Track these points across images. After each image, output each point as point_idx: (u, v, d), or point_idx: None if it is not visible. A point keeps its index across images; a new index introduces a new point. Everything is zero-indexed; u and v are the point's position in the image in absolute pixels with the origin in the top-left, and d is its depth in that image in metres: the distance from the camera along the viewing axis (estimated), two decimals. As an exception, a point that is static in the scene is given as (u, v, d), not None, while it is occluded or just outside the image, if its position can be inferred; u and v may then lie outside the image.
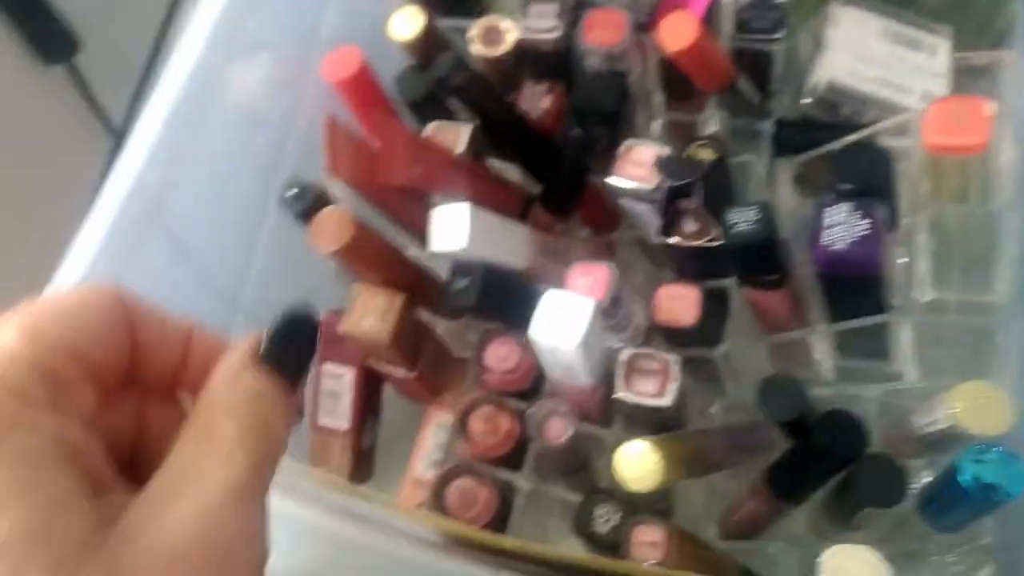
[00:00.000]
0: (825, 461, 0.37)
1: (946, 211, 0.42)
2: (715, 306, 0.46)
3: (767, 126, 0.52)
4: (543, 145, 0.50)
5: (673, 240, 0.44)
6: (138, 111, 0.88)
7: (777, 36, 0.48)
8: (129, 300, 0.25)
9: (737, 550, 0.47)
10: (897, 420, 0.45)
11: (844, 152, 0.41)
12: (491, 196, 0.50)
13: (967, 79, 0.50)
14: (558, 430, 0.46)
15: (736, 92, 0.48)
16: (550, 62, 0.52)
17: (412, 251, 0.56)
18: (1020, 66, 0.49)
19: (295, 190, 0.50)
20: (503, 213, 0.50)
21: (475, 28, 0.53)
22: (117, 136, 0.85)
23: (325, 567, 0.42)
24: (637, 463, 0.39)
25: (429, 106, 0.52)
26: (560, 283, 0.48)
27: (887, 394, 0.47)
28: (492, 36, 0.53)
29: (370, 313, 0.51)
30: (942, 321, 0.42)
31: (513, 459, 0.48)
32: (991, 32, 0.52)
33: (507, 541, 0.38)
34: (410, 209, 0.50)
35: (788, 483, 0.41)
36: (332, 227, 0.48)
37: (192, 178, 0.52)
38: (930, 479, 0.39)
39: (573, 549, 0.44)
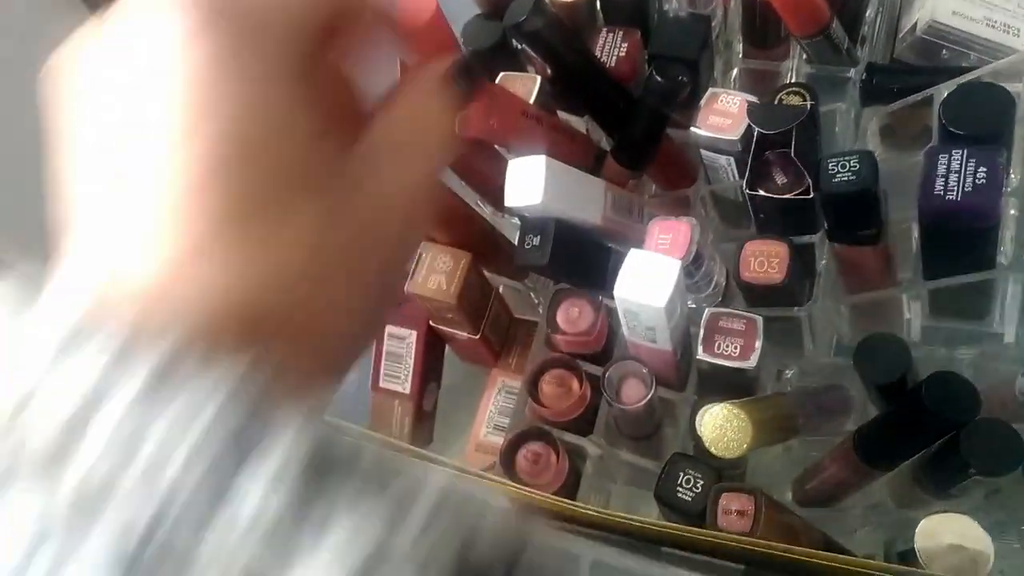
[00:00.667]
0: (933, 425, 0.35)
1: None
2: (802, 263, 0.44)
3: (855, 74, 0.48)
4: (620, 95, 0.48)
5: (762, 193, 0.41)
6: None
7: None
8: None
9: (811, 516, 0.45)
10: (997, 383, 0.42)
11: (956, 93, 0.38)
12: (565, 149, 0.47)
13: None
14: (636, 393, 0.44)
15: (828, 36, 0.45)
16: (627, 6, 0.49)
17: (478, 209, 0.54)
18: None
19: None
20: (576, 167, 0.48)
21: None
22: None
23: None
24: (726, 429, 0.37)
25: (497, 56, 0.50)
26: (634, 240, 0.46)
27: (982, 356, 0.45)
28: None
29: (437, 273, 0.50)
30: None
31: (583, 423, 0.46)
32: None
33: (587, 509, 0.36)
34: (481, 164, 0.48)
35: (881, 449, 0.38)
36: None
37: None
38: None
39: (644, 515, 0.42)
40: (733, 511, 0.37)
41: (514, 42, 0.48)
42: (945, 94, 0.42)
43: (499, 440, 0.53)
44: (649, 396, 0.43)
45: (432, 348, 0.57)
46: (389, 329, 0.56)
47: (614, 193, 0.49)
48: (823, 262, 0.46)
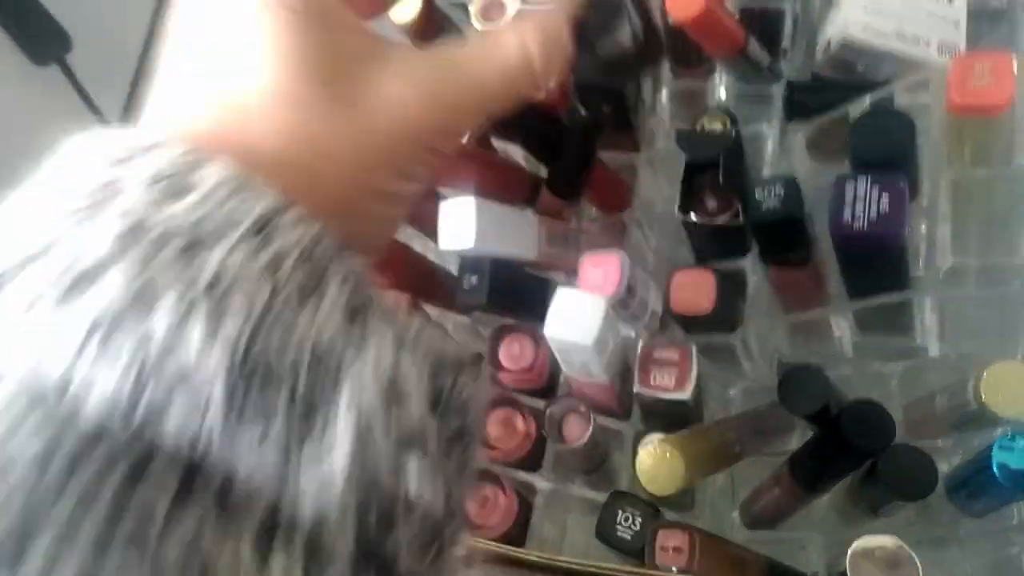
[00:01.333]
0: (850, 453, 0.36)
1: (967, 173, 0.39)
2: (732, 288, 0.44)
3: (778, 89, 0.49)
4: (550, 125, 0.48)
5: (693, 216, 0.41)
6: (133, 106, 0.87)
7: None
8: None
9: (761, 537, 0.46)
10: (921, 398, 0.43)
11: (862, 120, 0.38)
12: (499, 182, 0.48)
13: (984, 25, 0.46)
14: (577, 430, 0.45)
15: (746, 56, 0.46)
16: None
17: (419, 246, 0.54)
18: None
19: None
20: (512, 199, 0.48)
21: (475, 3, 0.50)
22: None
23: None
24: (660, 467, 0.38)
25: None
26: (573, 271, 0.46)
27: (909, 370, 0.45)
28: (493, 11, 0.51)
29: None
30: (964, 292, 0.40)
31: (531, 459, 0.47)
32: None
33: (532, 554, 0.37)
34: (420, 203, 0.48)
35: (812, 474, 0.39)
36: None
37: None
38: (958, 463, 0.38)
39: (596, 550, 0.43)
40: (670, 548, 0.38)
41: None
42: (858, 111, 0.43)
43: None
44: (590, 432, 0.44)
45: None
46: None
47: (549, 226, 0.50)
48: (755, 283, 0.46)
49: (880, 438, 0.35)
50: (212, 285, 0.17)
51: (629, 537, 0.39)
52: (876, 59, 0.46)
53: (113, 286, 0.16)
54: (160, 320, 0.16)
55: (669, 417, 0.44)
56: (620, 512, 0.40)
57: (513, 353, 0.48)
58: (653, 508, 0.40)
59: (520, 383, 0.48)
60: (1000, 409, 0.34)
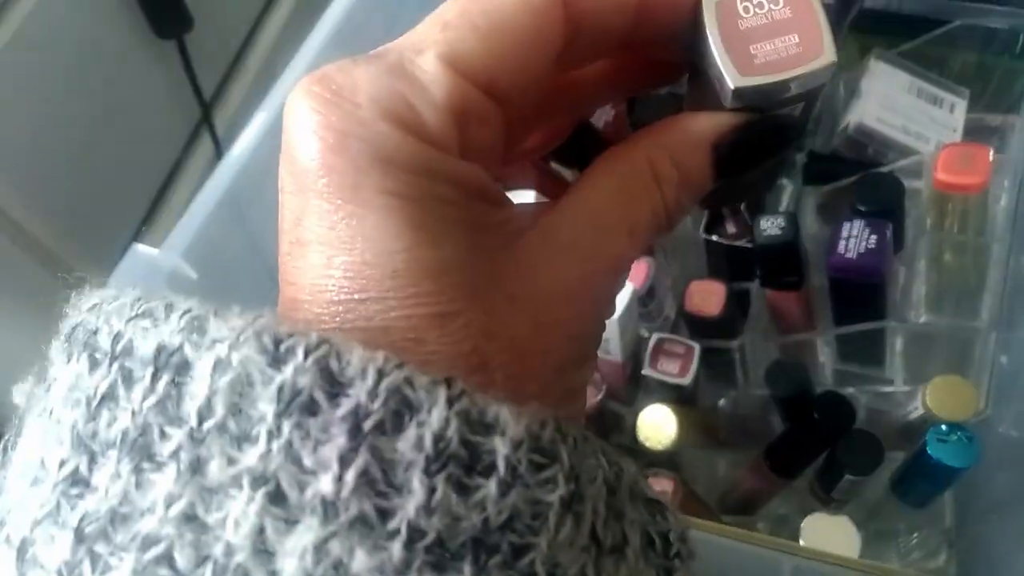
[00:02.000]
0: (819, 433, 0.44)
1: (946, 239, 0.48)
2: (738, 303, 0.53)
3: (801, 156, 0.59)
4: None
5: (714, 237, 0.50)
6: (226, 90, 0.97)
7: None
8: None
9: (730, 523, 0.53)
10: (880, 418, 0.51)
11: (863, 178, 0.48)
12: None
13: (979, 136, 0.56)
14: (588, 396, 0.53)
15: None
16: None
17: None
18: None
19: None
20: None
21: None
22: (205, 108, 0.93)
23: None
24: (657, 423, 0.46)
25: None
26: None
27: (875, 397, 0.54)
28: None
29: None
30: (931, 336, 0.49)
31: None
32: (1006, 99, 0.59)
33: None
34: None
35: (784, 458, 0.47)
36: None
37: (273, 192, 0.56)
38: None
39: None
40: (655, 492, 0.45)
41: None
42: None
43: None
44: (599, 398, 0.52)
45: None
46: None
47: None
48: (757, 306, 0.55)
49: (844, 418, 0.43)
50: None
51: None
52: (884, 145, 0.56)
53: None
54: None
55: (669, 401, 0.52)
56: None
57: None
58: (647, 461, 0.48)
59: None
60: (940, 412, 0.42)
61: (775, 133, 0.20)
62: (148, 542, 0.14)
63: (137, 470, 0.14)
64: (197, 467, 0.14)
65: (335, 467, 0.14)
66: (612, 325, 0.49)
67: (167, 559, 0.13)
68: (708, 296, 0.52)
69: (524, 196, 0.25)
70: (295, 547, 0.13)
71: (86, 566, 0.14)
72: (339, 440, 0.14)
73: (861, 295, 0.47)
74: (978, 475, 0.47)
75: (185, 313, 0.15)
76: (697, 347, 0.52)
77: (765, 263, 0.49)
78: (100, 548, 0.14)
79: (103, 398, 0.15)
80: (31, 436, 0.16)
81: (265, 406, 0.14)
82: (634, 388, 0.56)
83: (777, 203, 0.59)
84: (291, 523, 0.13)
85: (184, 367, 0.15)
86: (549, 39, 0.19)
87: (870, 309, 0.47)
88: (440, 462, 0.14)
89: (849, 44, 0.60)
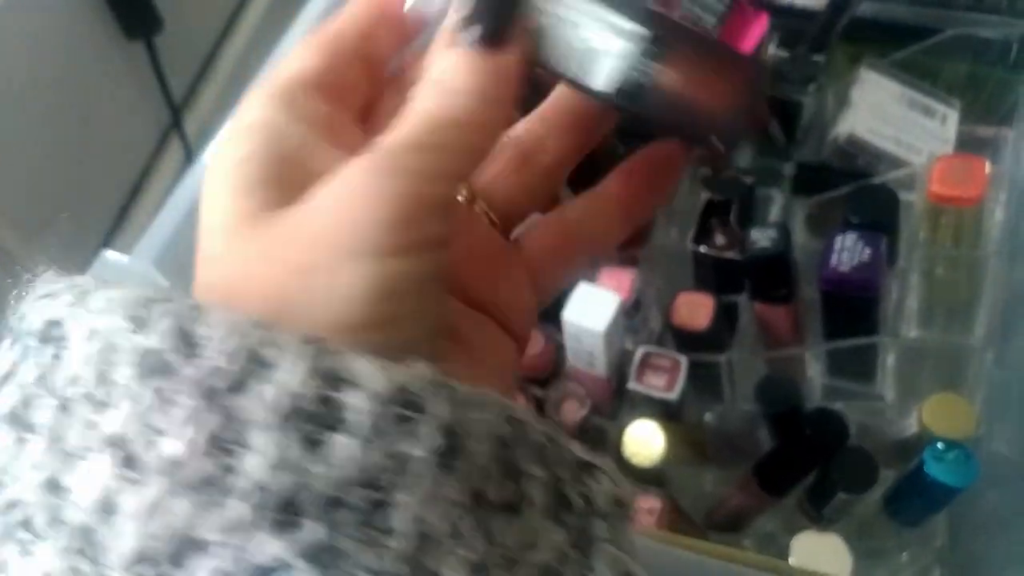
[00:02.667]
0: (811, 451, 0.42)
1: (940, 253, 0.47)
2: (726, 316, 0.51)
3: (789, 167, 0.57)
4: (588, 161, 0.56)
5: (703, 248, 0.49)
6: (197, 92, 0.95)
7: (809, 89, 0.54)
8: None
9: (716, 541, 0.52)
10: (871, 435, 0.50)
11: (857, 190, 0.47)
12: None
13: (971, 148, 0.55)
14: (573, 411, 0.51)
15: (767, 134, 0.54)
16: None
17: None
18: (1019, 142, 0.54)
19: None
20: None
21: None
22: (175, 111, 0.91)
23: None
24: (644, 439, 0.44)
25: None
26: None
27: (866, 414, 0.52)
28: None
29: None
30: (924, 352, 0.48)
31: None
32: (999, 110, 0.58)
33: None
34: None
35: (774, 475, 0.46)
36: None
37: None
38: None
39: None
40: (643, 509, 0.44)
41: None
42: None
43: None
44: (584, 413, 0.50)
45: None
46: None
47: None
48: (744, 320, 0.54)
49: (836, 437, 0.41)
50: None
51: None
52: (875, 157, 0.54)
53: None
54: None
55: (655, 416, 0.50)
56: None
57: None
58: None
59: (527, 368, 0.54)
60: (937, 430, 0.41)
61: None
62: (10, 506, 0.14)
63: (19, 441, 0.15)
64: (61, 434, 0.14)
65: (184, 428, 0.14)
66: (597, 338, 0.48)
67: (25, 523, 0.14)
68: (696, 309, 0.50)
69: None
70: (137, 507, 0.13)
71: None
72: (189, 401, 0.14)
73: (853, 309, 0.45)
74: (970, 493, 0.46)
75: (76, 287, 0.16)
76: (684, 361, 0.50)
77: (755, 275, 0.48)
78: None
79: (7, 375, 0.16)
80: None
81: (125, 371, 0.14)
82: (619, 402, 0.55)
83: (766, 214, 0.57)
84: (138, 484, 0.14)
85: (63, 339, 0.15)
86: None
87: (862, 324, 0.46)
88: (292, 420, 0.14)
89: (839, 53, 0.58)
